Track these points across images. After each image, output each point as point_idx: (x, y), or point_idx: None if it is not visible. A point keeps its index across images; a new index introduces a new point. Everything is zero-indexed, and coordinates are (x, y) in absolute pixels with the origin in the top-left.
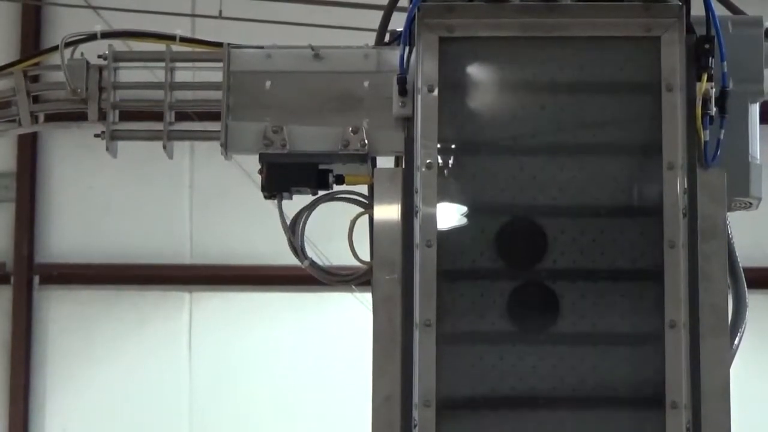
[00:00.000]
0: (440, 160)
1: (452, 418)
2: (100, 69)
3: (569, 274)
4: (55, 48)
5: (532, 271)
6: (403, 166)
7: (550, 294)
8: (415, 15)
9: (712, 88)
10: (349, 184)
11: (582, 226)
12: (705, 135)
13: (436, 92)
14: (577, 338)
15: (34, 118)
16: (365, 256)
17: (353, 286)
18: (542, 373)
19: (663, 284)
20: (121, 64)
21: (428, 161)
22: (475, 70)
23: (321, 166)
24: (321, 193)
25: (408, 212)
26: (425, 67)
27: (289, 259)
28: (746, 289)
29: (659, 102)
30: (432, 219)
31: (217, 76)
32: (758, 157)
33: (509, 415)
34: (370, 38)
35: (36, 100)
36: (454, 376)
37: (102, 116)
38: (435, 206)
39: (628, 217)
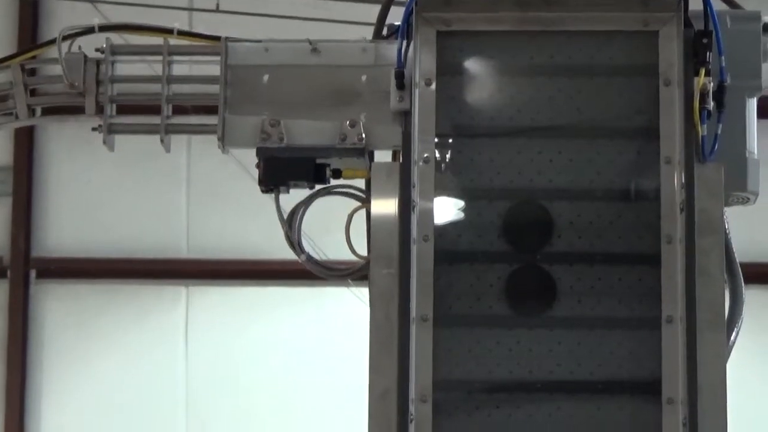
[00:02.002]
0: (438, 154)
1: (448, 408)
2: (98, 62)
3: (567, 257)
4: (53, 41)
5: (533, 255)
6: (401, 160)
7: (548, 278)
8: (413, 9)
9: (710, 82)
10: (346, 178)
11: (579, 223)
12: (702, 130)
13: (433, 86)
14: (574, 322)
15: (31, 112)
16: (362, 250)
17: (350, 281)
18: (538, 359)
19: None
20: (119, 57)
21: (426, 155)
22: (473, 64)
23: (318, 160)
24: (318, 187)
25: (405, 206)
26: (423, 61)
27: (286, 254)
28: (743, 284)
29: (657, 95)
30: (429, 213)
31: (214, 70)
32: (756, 152)
33: (505, 405)
34: (368, 32)
35: (33, 93)
36: (450, 364)
37: (99, 110)
38: (432, 200)
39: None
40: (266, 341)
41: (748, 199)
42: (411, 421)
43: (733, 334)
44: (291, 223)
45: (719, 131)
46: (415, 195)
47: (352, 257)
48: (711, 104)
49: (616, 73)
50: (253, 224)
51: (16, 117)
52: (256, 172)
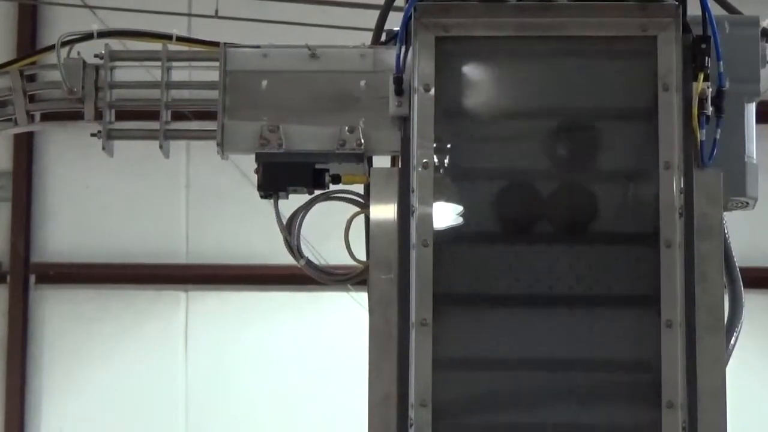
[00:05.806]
0: (436, 160)
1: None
2: (97, 68)
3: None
4: (52, 47)
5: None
6: (400, 166)
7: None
8: (411, 14)
9: (708, 87)
10: (345, 183)
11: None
12: (701, 135)
13: (432, 92)
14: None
15: (31, 118)
16: (361, 255)
17: (349, 286)
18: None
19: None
20: (118, 63)
21: (424, 161)
22: (472, 70)
23: (317, 166)
24: (317, 192)
25: (404, 212)
26: (421, 66)
27: (286, 259)
28: (743, 288)
29: (656, 101)
30: (428, 218)
31: (213, 76)
32: (755, 156)
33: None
34: (367, 38)
35: (32, 99)
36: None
37: (98, 115)
38: (431, 206)
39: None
40: (265, 346)
41: (747, 203)
42: (411, 426)
43: (733, 338)
44: (290, 229)
45: (718, 136)
46: (414, 200)
47: (352, 262)
48: (710, 109)
49: (614, 77)
50: (252, 229)
51: (15, 123)
52: (255, 178)
